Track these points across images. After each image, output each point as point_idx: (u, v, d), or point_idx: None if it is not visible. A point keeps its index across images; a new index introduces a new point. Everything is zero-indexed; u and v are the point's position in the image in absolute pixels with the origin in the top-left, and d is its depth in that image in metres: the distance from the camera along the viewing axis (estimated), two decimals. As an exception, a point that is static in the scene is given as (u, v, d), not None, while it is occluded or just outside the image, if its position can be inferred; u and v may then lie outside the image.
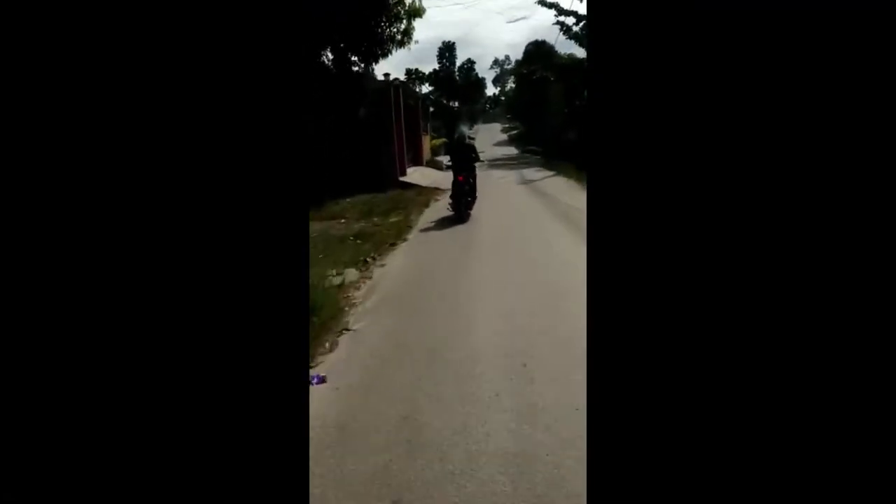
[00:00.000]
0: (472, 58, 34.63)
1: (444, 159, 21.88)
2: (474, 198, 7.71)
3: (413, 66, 31.85)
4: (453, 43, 32.31)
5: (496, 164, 19.54)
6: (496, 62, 60.48)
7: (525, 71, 25.71)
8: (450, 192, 7.60)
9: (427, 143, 18.55)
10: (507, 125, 57.84)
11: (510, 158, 22.47)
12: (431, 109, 31.55)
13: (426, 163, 17.44)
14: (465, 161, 7.54)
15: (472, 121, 20.23)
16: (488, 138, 32.10)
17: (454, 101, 32.04)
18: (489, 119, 67.56)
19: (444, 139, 17.53)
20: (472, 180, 7.59)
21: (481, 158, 8.58)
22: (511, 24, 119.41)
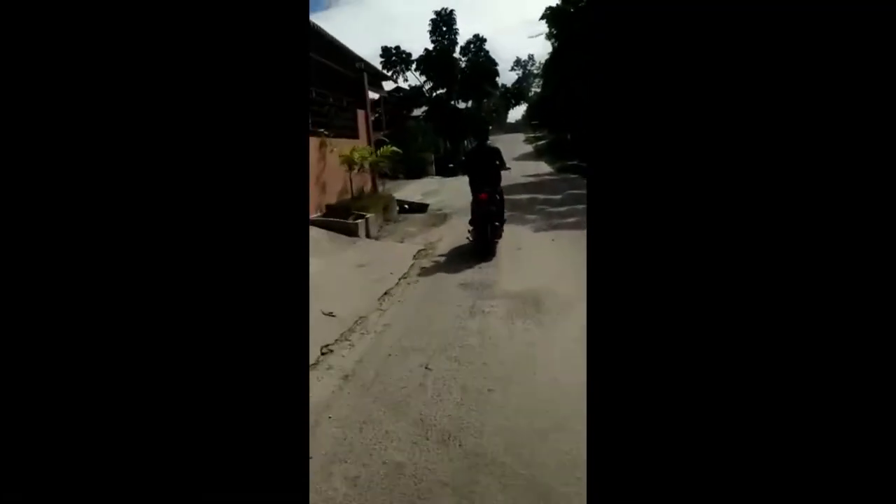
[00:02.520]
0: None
1: (411, 189, 11.91)
2: (502, 222, 5.45)
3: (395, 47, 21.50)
4: (451, 11, 21.63)
5: (518, 202, 8.88)
6: (518, 63, 49.85)
7: (572, 9, 14.60)
8: (469, 225, 5.33)
9: (333, 161, 7.45)
10: (532, 134, 47.81)
11: (543, 187, 11.79)
12: (425, 110, 21.24)
13: (335, 210, 6.67)
14: (486, 172, 5.34)
15: (483, 128, 9.73)
16: (508, 151, 21.34)
17: (454, 94, 21.43)
18: (507, 128, 56.71)
19: (393, 148, 6.82)
20: (498, 197, 5.32)
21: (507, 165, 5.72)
22: (531, 40, 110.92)
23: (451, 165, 18.30)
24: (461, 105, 22.31)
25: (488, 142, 5.89)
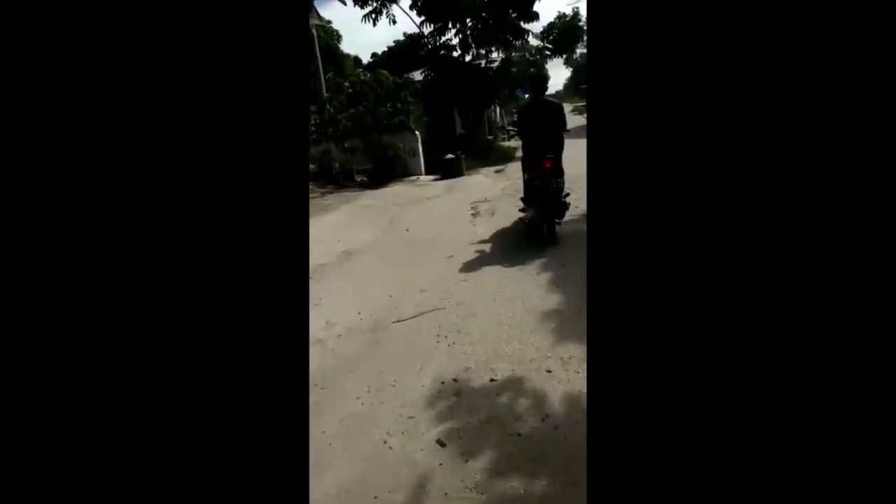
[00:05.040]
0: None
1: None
2: (566, 198, 4.36)
3: None
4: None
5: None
6: (560, 18, 40.99)
7: None
8: (522, 202, 4.56)
9: None
10: (580, 103, 39.12)
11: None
12: (426, 72, 14.02)
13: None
14: (546, 133, 4.30)
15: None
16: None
17: (468, 40, 13.70)
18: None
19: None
20: (560, 167, 4.31)
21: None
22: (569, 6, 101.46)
23: (452, 156, 10.79)
24: (480, 61, 14.54)
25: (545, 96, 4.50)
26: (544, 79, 4.83)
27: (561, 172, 4.30)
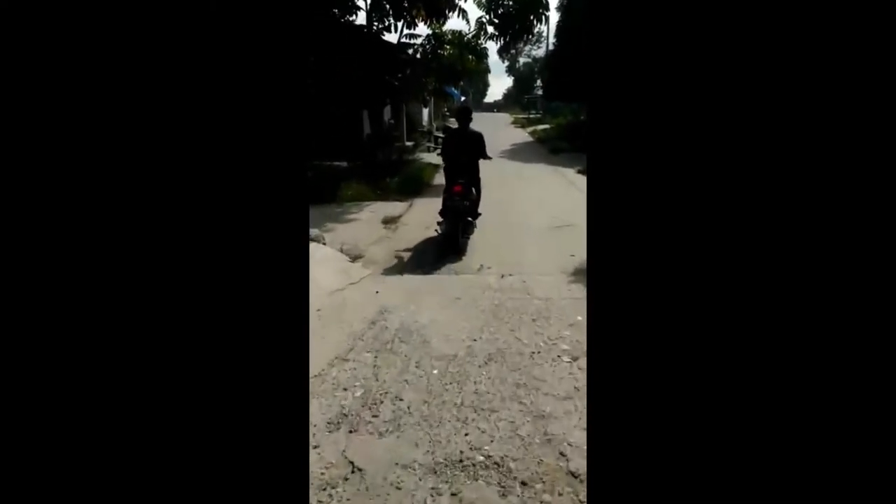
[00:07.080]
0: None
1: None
2: (476, 217, 4.92)
3: None
4: None
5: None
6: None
7: None
8: (439, 216, 4.87)
9: None
10: (521, 115, 35.73)
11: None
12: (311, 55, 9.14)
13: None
14: (466, 160, 4.78)
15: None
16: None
17: (383, 1, 9.01)
18: (483, 106, 45.69)
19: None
20: (474, 190, 4.85)
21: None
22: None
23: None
24: (394, 32, 9.85)
25: (470, 124, 4.98)
26: (468, 110, 5.11)
27: (470, 195, 4.63)
